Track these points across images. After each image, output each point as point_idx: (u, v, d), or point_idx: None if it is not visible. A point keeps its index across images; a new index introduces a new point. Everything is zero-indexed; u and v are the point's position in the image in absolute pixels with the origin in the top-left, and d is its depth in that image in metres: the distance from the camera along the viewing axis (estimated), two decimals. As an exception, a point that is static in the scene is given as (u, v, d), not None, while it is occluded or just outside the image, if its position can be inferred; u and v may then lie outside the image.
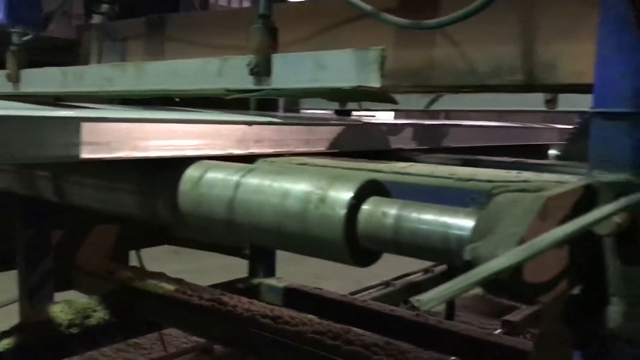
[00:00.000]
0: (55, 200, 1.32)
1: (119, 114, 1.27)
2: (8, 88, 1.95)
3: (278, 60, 1.27)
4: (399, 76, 1.62)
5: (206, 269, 4.15)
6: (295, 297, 3.06)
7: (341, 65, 1.18)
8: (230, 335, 2.59)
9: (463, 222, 0.74)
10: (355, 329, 2.31)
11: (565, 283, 0.74)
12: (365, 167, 1.01)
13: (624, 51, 0.82)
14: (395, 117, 3.90)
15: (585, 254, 0.75)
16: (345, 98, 1.19)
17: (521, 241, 0.61)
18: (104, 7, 2.58)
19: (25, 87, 1.92)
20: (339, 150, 1.30)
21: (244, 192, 0.93)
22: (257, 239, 0.94)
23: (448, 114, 3.89)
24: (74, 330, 2.68)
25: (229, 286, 3.13)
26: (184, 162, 1.04)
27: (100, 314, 2.81)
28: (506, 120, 3.52)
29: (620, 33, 0.82)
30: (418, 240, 0.76)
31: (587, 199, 0.78)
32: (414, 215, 0.78)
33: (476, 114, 3.52)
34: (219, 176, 0.98)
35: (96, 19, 2.66)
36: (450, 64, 1.58)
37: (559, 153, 2.21)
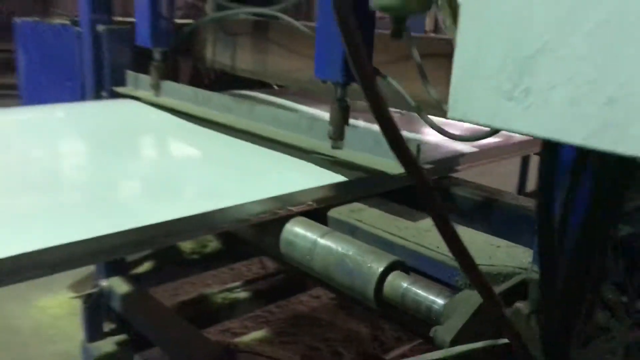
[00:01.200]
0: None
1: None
2: (151, 94, 2.57)
3: (349, 130, 1.79)
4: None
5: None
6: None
7: (391, 147, 1.68)
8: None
9: (441, 301, 1.29)
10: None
11: None
12: (400, 233, 1.54)
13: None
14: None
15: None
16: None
17: (458, 332, 1.15)
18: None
19: (164, 96, 2.53)
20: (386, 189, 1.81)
21: (319, 248, 1.52)
22: (324, 279, 1.53)
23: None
24: (195, 256, 3.48)
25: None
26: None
27: (214, 244, 3.58)
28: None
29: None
30: (414, 307, 1.32)
31: (520, 290, 1.29)
32: (415, 289, 1.33)
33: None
34: (305, 233, 1.56)
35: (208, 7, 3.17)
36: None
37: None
